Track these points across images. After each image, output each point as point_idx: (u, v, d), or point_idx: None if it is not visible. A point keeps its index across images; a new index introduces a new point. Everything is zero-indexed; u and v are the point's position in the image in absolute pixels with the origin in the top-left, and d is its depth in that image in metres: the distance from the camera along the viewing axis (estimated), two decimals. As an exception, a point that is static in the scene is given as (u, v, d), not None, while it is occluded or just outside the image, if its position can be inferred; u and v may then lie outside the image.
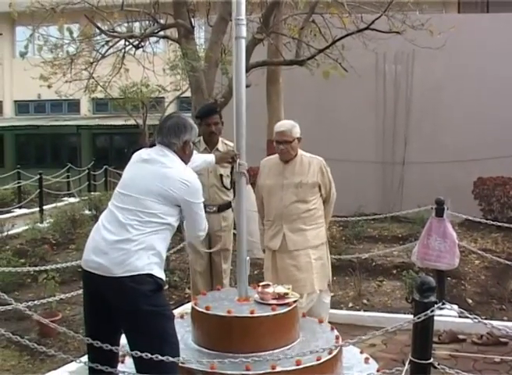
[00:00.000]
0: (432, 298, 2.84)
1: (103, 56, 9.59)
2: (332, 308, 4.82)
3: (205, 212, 3.36)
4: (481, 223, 7.64)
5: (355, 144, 11.78)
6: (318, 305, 4.45)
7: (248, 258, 3.81)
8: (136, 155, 3.29)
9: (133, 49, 9.49)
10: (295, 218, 4.35)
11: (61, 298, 4.86)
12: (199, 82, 8.49)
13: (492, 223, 6.81)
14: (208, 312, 3.56)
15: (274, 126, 4.55)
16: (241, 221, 3.79)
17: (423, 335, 2.86)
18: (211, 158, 4.07)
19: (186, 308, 5.06)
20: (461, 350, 4.80)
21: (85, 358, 3.22)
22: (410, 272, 6.00)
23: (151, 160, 3.17)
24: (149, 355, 2.84)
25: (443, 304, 2.98)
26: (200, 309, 3.63)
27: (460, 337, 5.00)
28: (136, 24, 9.91)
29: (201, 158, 3.92)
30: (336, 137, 11.63)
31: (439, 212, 5.62)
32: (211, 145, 4.96)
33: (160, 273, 3.03)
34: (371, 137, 11.92)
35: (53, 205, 12.55)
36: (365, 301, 6.08)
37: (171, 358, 2.89)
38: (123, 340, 3.11)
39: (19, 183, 14.22)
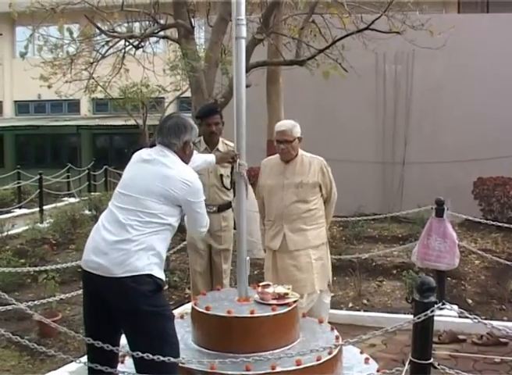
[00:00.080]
0: (432, 298, 2.84)
1: (103, 56, 9.59)
2: (332, 308, 4.83)
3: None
4: (481, 223, 7.64)
5: (355, 144, 11.78)
6: (319, 305, 4.44)
7: (248, 258, 3.81)
8: (136, 155, 3.29)
9: (133, 49, 9.50)
10: (295, 218, 4.35)
11: (61, 298, 4.87)
12: (199, 82, 8.49)
13: (492, 223, 6.80)
14: (208, 312, 3.56)
15: (274, 126, 4.55)
16: (241, 221, 3.79)
17: (423, 335, 2.86)
18: (211, 158, 4.07)
19: (186, 308, 5.06)
20: (461, 350, 4.80)
21: (85, 359, 3.22)
22: (410, 272, 5.99)
23: (152, 161, 3.17)
24: (150, 356, 2.85)
25: (443, 304, 2.98)
26: (200, 309, 3.63)
27: (460, 337, 5.00)
28: (136, 24, 9.91)
29: (202, 159, 3.92)
30: (336, 137, 11.63)
31: (439, 213, 5.62)
32: (211, 145, 4.96)
33: (160, 274, 3.03)
34: (371, 137, 11.92)
35: (53, 205, 12.56)
36: (365, 301, 6.08)
37: (172, 359, 2.89)
38: (123, 340, 3.12)
39: (19, 183, 14.23)
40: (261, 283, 3.83)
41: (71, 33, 8.97)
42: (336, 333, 3.84)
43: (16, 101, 24.56)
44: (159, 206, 3.05)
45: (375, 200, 11.49)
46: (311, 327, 3.92)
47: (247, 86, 4.08)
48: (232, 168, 4.61)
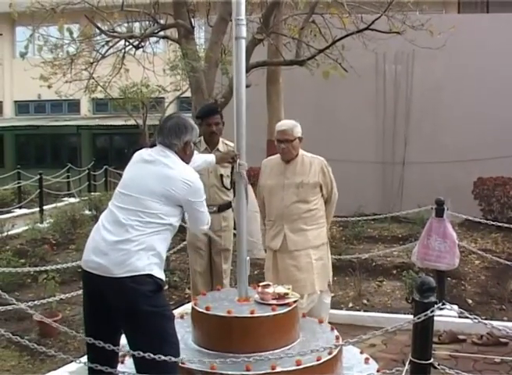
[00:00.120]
0: (432, 299, 2.84)
1: (103, 56, 9.59)
2: (332, 308, 4.82)
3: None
4: (481, 223, 7.64)
5: (355, 144, 11.77)
6: (319, 305, 4.44)
7: (248, 258, 3.81)
8: (137, 155, 3.29)
9: (133, 49, 9.50)
10: (296, 218, 4.35)
11: (61, 298, 4.86)
12: (199, 82, 8.49)
13: (492, 223, 6.80)
14: (208, 312, 3.56)
15: (274, 126, 4.55)
16: (241, 221, 3.79)
17: (423, 335, 2.86)
18: (211, 158, 4.07)
19: (186, 308, 5.06)
20: (461, 350, 4.79)
21: (85, 359, 3.22)
22: (410, 272, 5.99)
23: (153, 161, 3.17)
24: (151, 356, 2.85)
25: (443, 304, 2.98)
26: (200, 310, 3.63)
27: (460, 337, 5.00)
28: (136, 24, 9.91)
29: (202, 159, 3.92)
30: (336, 137, 11.63)
31: (439, 213, 5.62)
32: (211, 145, 4.96)
33: (160, 274, 3.03)
34: (371, 137, 11.92)
35: (53, 205, 12.55)
36: (365, 301, 6.08)
37: (173, 359, 2.89)
38: (123, 340, 3.12)
39: (19, 183, 14.22)
40: (261, 284, 3.83)
41: (71, 33, 8.97)
42: (336, 333, 3.84)
43: (16, 101, 24.56)
44: (160, 206, 3.06)
45: (375, 200, 11.49)
46: (311, 327, 3.92)
47: (247, 86, 4.08)
48: (233, 168, 4.61)
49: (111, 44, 9.41)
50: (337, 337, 3.75)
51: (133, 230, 2.99)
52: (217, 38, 8.70)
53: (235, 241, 4.19)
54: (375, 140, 11.98)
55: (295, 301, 3.68)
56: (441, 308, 2.92)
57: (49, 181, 14.31)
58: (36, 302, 4.37)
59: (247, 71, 7.26)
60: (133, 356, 3.00)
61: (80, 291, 3.35)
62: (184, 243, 5.54)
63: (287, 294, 3.70)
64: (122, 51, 9.72)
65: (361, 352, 4.07)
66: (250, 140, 3.98)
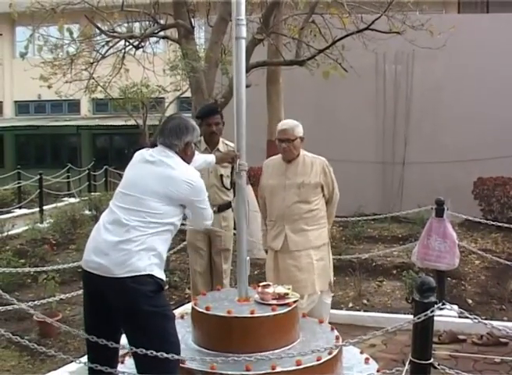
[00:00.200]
0: (432, 299, 2.84)
1: (103, 56, 9.58)
2: (332, 308, 4.82)
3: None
4: (481, 224, 7.64)
5: (355, 144, 11.78)
6: (319, 305, 4.44)
7: (248, 258, 3.81)
8: (138, 155, 3.28)
9: (133, 49, 9.49)
10: (297, 218, 4.35)
11: (61, 299, 4.86)
12: (199, 82, 8.49)
13: (492, 223, 6.80)
14: (208, 312, 3.57)
15: (274, 127, 4.55)
16: (241, 221, 3.80)
17: (423, 335, 2.86)
18: (211, 158, 4.07)
19: (187, 308, 5.06)
20: (461, 350, 4.80)
21: (85, 359, 3.22)
22: (410, 272, 5.99)
23: (155, 162, 3.17)
24: (154, 353, 2.85)
25: (443, 304, 2.98)
26: (200, 310, 3.63)
27: (460, 337, 5.00)
28: (136, 24, 9.91)
29: (202, 159, 3.92)
30: (336, 137, 11.64)
31: (439, 213, 5.62)
32: (211, 145, 4.97)
33: (160, 274, 3.03)
34: (371, 137, 11.92)
35: (53, 205, 12.56)
36: (365, 301, 6.08)
37: (176, 356, 2.90)
38: (123, 340, 3.12)
39: (19, 183, 14.22)
40: (261, 284, 3.84)
41: (71, 33, 8.96)
42: (336, 333, 3.84)
43: (16, 102, 24.57)
44: (163, 207, 3.06)
45: (375, 200, 11.49)
46: (311, 327, 3.93)
47: (247, 86, 4.08)
48: (233, 168, 4.61)
49: (111, 44, 9.40)
50: (337, 337, 3.75)
51: (134, 230, 2.99)
52: (217, 38, 8.69)
53: (235, 240, 4.19)
54: (375, 140, 11.98)
55: (295, 302, 3.68)
56: (441, 308, 2.92)
57: (49, 181, 14.31)
58: (36, 302, 4.37)
59: (247, 71, 7.25)
60: (134, 356, 3.00)
61: (80, 291, 3.35)
62: (184, 243, 5.54)
63: (287, 294, 3.70)
64: (122, 51, 9.71)
65: (361, 352, 4.08)
66: (250, 140, 3.99)
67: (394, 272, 7.08)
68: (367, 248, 8.49)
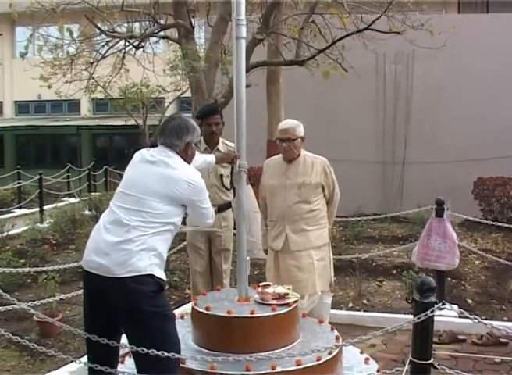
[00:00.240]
0: (432, 299, 2.84)
1: (103, 56, 9.58)
2: (332, 308, 4.82)
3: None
4: (481, 224, 7.64)
5: (355, 144, 11.78)
6: (320, 305, 4.44)
7: (248, 258, 3.81)
8: (139, 155, 3.28)
9: (133, 49, 9.49)
10: (297, 218, 4.34)
11: (61, 299, 4.86)
12: (199, 82, 8.48)
13: (492, 223, 6.80)
14: (208, 312, 3.57)
15: (274, 127, 4.55)
16: (241, 221, 3.80)
17: (423, 335, 2.86)
18: (211, 158, 4.07)
19: (187, 308, 5.06)
20: (461, 350, 4.80)
21: (85, 359, 3.22)
22: (410, 272, 5.99)
23: (156, 162, 3.17)
24: (155, 352, 2.85)
25: (443, 304, 2.98)
26: (200, 310, 3.63)
27: (460, 337, 5.00)
28: (136, 24, 9.90)
29: (202, 159, 3.93)
30: (336, 137, 11.63)
31: (439, 213, 5.62)
32: (211, 145, 4.97)
33: (161, 274, 3.03)
34: (371, 137, 11.92)
35: (53, 205, 12.57)
36: (365, 301, 6.08)
37: (176, 355, 2.90)
38: (123, 340, 3.12)
39: (19, 183, 14.23)
40: (261, 284, 3.84)
41: (71, 33, 8.96)
42: (336, 333, 3.84)
43: (16, 102, 24.57)
44: (163, 206, 3.06)
45: (375, 200, 11.49)
46: (311, 327, 3.93)
47: (247, 86, 4.08)
48: (232, 168, 4.61)
49: (111, 44, 9.40)
50: (337, 337, 3.75)
51: (134, 230, 2.99)
52: (217, 38, 8.69)
53: (235, 240, 4.19)
54: (375, 140, 11.98)
55: (295, 302, 3.68)
56: (441, 308, 2.92)
57: (49, 181, 14.32)
58: (36, 302, 4.37)
59: (247, 71, 7.25)
60: (134, 356, 3.00)
61: (80, 291, 3.36)
62: (184, 243, 5.54)
63: (287, 294, 3.70)
64: (122, 51, 9.71)
65: (361, 352, 4.08)
66: (250, 140, 3.99)
67: (394, 272, 7.09)
68: (367, 248, 8.49)
